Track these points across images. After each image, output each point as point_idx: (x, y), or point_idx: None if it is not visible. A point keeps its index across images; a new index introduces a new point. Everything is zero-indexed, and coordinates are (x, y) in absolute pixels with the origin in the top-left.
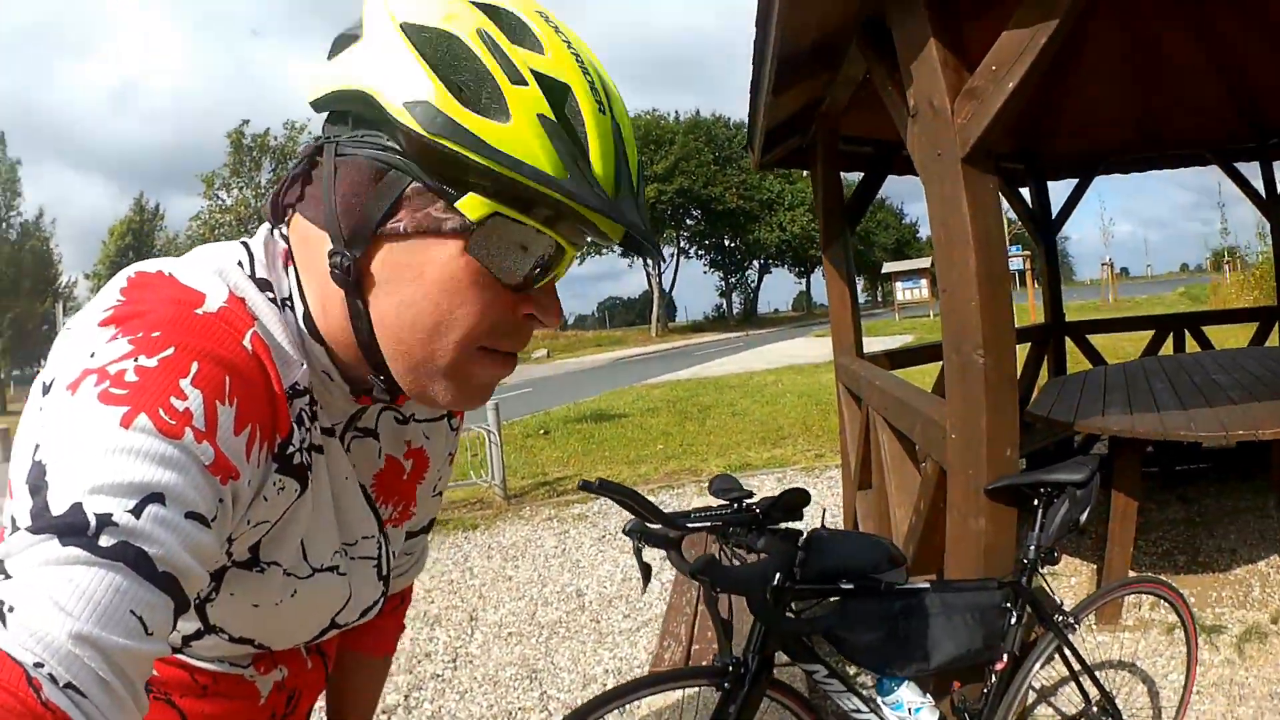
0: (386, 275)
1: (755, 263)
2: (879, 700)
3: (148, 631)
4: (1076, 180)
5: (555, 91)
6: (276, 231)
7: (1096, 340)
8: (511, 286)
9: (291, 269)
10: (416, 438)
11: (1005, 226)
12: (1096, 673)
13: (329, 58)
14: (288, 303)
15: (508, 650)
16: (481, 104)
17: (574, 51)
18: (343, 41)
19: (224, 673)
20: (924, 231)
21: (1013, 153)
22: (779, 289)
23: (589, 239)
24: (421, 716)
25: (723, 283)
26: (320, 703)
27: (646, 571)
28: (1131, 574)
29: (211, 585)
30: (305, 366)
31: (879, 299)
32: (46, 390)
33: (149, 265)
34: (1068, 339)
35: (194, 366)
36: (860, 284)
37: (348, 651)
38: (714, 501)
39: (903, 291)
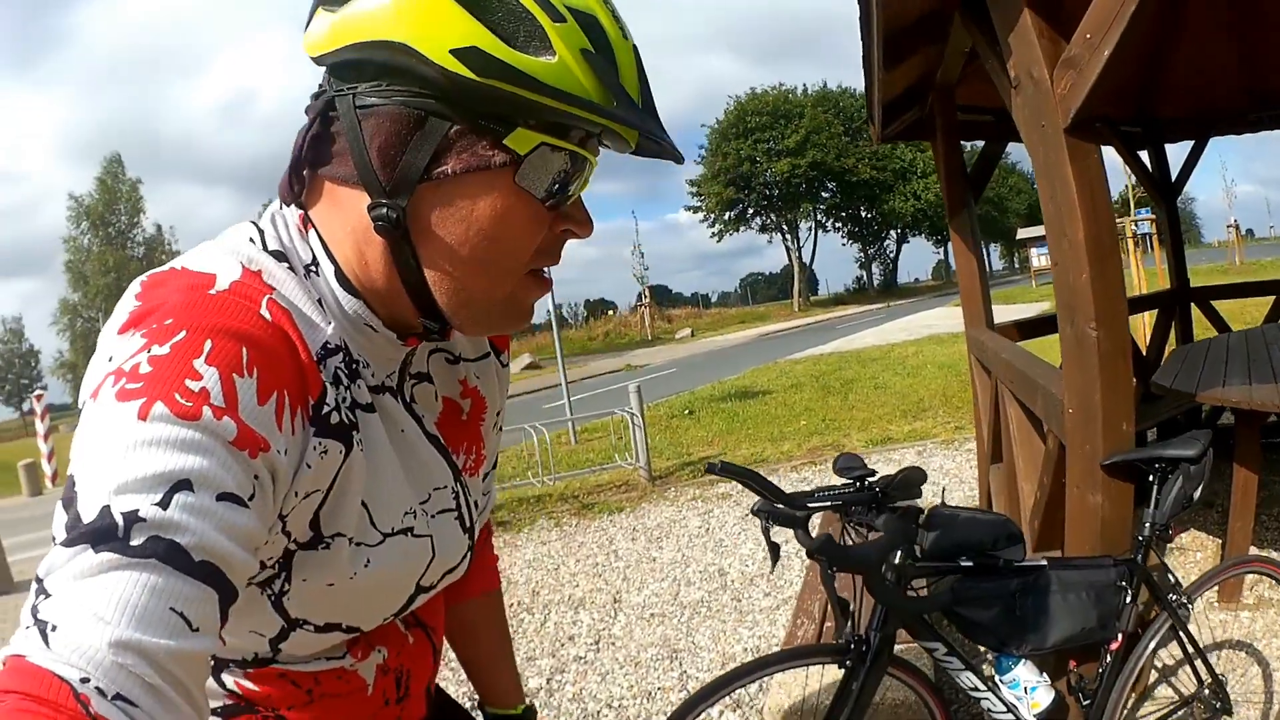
0: (436, 218)
1: (892, 232)
2: (998, 679)
3: (192, 628)
4: (1193, 142)
5: (588, 23)
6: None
7: (1222, 306)
8: (549, 207)
9: (312, 232)
10: (470, 377)
11: (1130, 190)
12: (1215, 652)
13: (327, 5)
14: (312, 268)
15: (650, 631)
16: (527, 44)
17: None
18: None
19: (324, 670)
20: None
21: (1129, 116)
22: (918, 258)
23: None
24: (563, 699)
25: (861, 254)
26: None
27: (775, 551)
28: (1252, 551)
29: (283, 576)
30: (333, 325)
31: (1015, 265)
32: (82, 409)
33: (160, 268)
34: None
35: (207, 345)
36: (997, 251)
37: (457, 603)
38: (839, 480)
39: (1037, 257)
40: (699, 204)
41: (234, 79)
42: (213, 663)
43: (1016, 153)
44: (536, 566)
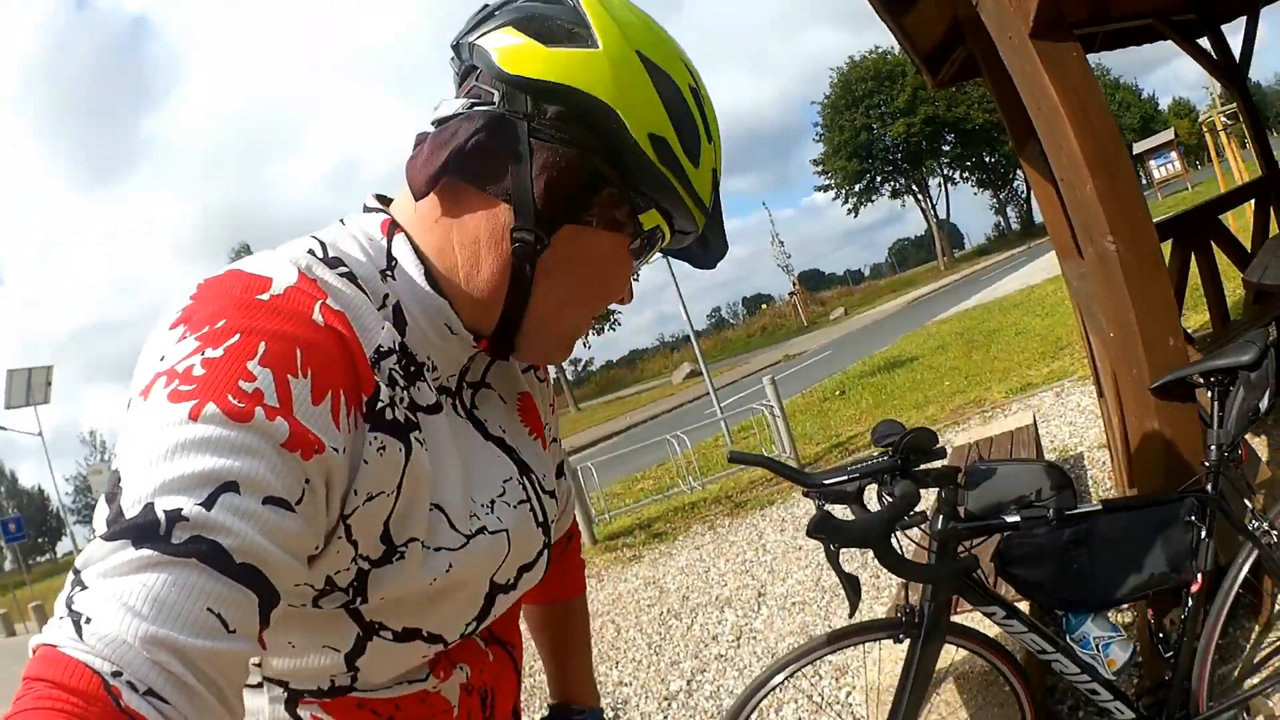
0: (563, 257)
1: (1019, 172)
2: (1069, 639)
3: (229, 629)
4: (1245, 18)
5: (718, 145)
6: (363, 205)
7: None
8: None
9: (400, 237)
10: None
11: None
12: None
13: (524, 31)
14: (388, 272)
15: (789, 620)
16: (693, 152)
17: (710, 104)
18: (558, 31)
19: (405, 695)
20: (1163, 101)
21: (1181, 2)
22: None
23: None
24: (702, 698)
25: (994, 200)
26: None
27: (853, 586)
28: None
29: (357, 594)
30: (387, 329)
31: (1143, 183)
32: (129, 406)
33: (218, 273)
34: None
35: (261, 347)
36: None
37: (542, 606)
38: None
39: (1157, 169)
40: (828, 182)
41: (333, 148)
42: (286, 694)
43: (1118, 66)
44: (688, 571)
